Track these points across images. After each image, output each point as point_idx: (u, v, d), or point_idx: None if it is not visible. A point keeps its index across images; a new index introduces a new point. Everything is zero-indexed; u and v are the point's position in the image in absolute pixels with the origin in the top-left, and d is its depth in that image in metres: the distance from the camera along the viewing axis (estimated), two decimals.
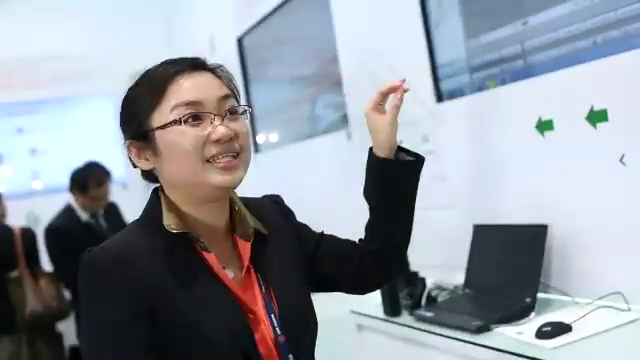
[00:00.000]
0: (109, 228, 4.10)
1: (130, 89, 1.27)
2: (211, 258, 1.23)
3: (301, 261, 1.42)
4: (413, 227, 1.54)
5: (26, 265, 3.96)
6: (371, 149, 1.48)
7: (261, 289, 1.29)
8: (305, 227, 1.52)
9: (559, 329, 1.81)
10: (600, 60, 1.97)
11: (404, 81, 1.51)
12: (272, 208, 1.45)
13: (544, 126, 2.17)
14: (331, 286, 1.52)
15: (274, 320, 1.26)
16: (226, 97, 1.24)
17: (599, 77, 1.97)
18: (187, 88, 1.20)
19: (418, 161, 1.50)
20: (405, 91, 1.49)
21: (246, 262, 1.28)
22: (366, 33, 3.07)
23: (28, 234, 4.08)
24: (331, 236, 1.54)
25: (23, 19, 5.65)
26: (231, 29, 4.71)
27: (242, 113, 1.28)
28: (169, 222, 1.22)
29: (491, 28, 2.39)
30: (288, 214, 1.49)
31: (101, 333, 1.15)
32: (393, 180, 1.46)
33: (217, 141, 1.19)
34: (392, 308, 2.37)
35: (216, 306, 1.20)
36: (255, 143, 4.68)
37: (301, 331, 1.30)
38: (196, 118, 1.20)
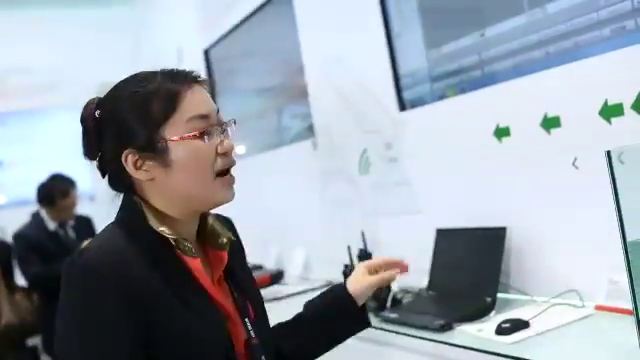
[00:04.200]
0: (77, 239, 4.11)
1: (121, 99, 1.24)
2: (196, 263, 1.23)
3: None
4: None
5: (2, 277, 3.95)
6: (341, 286, 1.59)
7: (233, 295, 1.32)
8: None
9: (517, 325, 1.90)
10: (552, 69, 2.07)
11: (407, 267, 1.71)
12: (229, 223, 1.50)
13: (501, 132, 2.27)
14: None
15: (248, 324, 1.30)
16: (218, 111, 1.28)
17: (552, 85, 2.08)
18: (197, 101, 1.22)
19: (366, 324, 1.62)
20: (402, 272, 1.68)
21: (221, 270, 1.32)
22: (331, 44, 3.15)
23: (3, 247, 4.08)
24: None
25: None
26: (198, 41, 4.77)
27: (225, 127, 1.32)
28: (158, 227, 1.21)
29: (450, 39, 2.49)
30: (236, 233, 1.52)
31: (86, 334, 1.13)
32: (344, 318, 1.56)
33: (225, 154, 1.24)
34: None
35: (200, 309, 1.21)
36: None
37: (268, 335, 1.38)
38: (208, 132, 1.22)
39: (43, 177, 4.26)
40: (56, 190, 4.10)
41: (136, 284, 1.15)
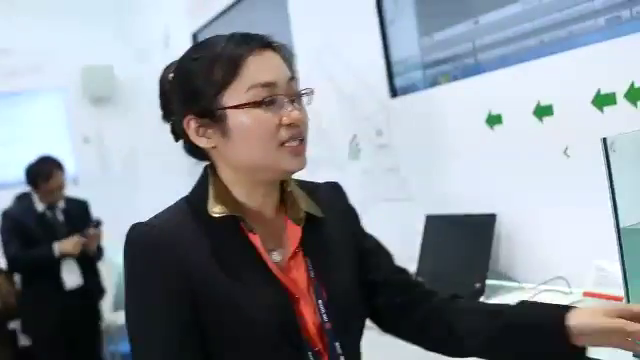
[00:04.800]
0: (67, 222, 4.08)
1: (188, 61, 1.21)
2: (255, 239, 1.19)
3: (355, 250, 1.34)
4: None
5: None
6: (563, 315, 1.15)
7: (309, 274, 1.23)
8: (364, 229, 1.42)
9: None
10: (546, 58, 2.09)
11: None
12: (331, 192, 1.39)
13: (493, 120, 2.29)
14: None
15: (321, 306, 1.21)
16: (292, 79, 1.20)
17: (545, 74, 2.10)
18: (263, 68, 1.15)
19: None
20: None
21: (294, 246, 1.24)
22: (322, 30, 3.15)
23: None
24: (384, 256, 1.41)
25: None
26: (186, 24, 4.73)
27: (302, 95, 1.22)
28: (213, 207, 1.19)
29: (444, 26, 2.50)
30: (348, 207, 1.41)
31: (142, 311, 1.15)
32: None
33: (290, 125, 1.15)
34: None
35: (258, 289, 1.17)
36: None
37: (350, 319, 1.25)
38: (272, 101, 1.15)
39: (25, 159, 4.21)
40: (39, 172, 4.05)
41: (193, 267, 1.14)
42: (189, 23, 4.69)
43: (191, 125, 1.18)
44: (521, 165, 2.20)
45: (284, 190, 1.27)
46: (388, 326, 1.37)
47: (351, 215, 1.40)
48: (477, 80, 2.35)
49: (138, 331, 1.15)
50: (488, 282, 2.21)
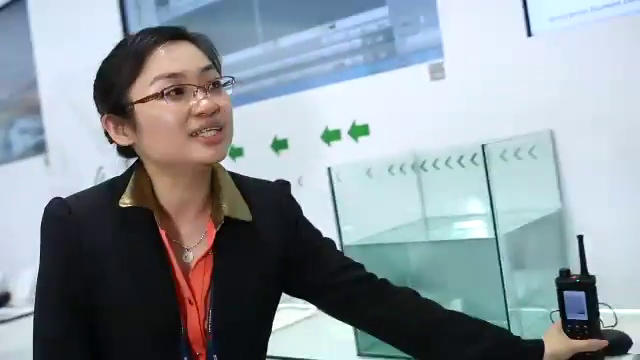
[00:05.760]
0: None
1: (105, 60, 1.17)
2: (164, 235, 1.16)
3: (280, 257, 1.29)
4: None
5: None
6: (541, 346, 1.28)
7: (212, 279, 1.19)
8: (307, 233, 1.35)
9: None
10: (282, 97, 2.35)
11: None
12: (274, 197, 1.32)
13: (236, 152, 2.48)
14: (316, 301, 1.37)
15: (210, 315, 1.18)
16: (208, 68, 1.15)
17: (281, 111, 2.34)
18: (168, 58, 1.12)
19: None
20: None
21: (207, 248, 1.19)
22: (67, 59, 3.13)
23: None
24: (331, 254, 1.36)
25: None
26: None
27: (225, 85, 1.18)
28: (125, 199, 1.16)
29: None
30: (289, 211, 1.33)
31: (41, 280, 1.17)
32: None
33: (200, 115, 1.10)
34: None
35: (150, 287, 1.15)
36: None
37: (235, 335, 1.21)
38: (178, 91, 1.11)
39: None
40: None
41: (94, 251, 1.14)
42: None
43: (109, 124, 1.16)
44: None
45: (214, 188, 1.23)
46: (345, 318, 1.35)
47: (291, 220, 1.32)
48: None
49: (38, 294, 1.17)
50: None
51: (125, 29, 2.83)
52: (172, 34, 1.14)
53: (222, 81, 1.17)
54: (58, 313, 1.15)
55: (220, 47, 2.36)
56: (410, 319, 1.29)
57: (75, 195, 1.19)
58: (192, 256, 1.20)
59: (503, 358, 1.26)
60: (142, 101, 1.11)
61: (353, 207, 1.85)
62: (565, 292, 1.33)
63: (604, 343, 1.31)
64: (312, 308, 2.22)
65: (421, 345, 1.29)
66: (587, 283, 1.32)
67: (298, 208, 1.35)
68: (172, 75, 1.11)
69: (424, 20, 2.02)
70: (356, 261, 1.36)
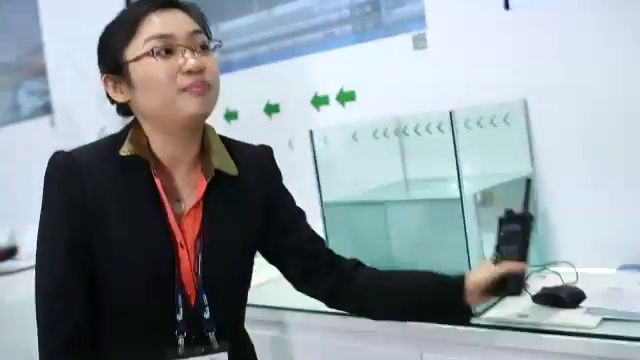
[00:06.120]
0: None
1: (106, 27, 1.29)
2: (158, 184, 1.27)
3: (263, 211, 1.40)
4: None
5: None
6: (462, 280, 1.37)
7: (202, 227, 1.30)
8: (283, 194, 1.47)
9: None
10: (274, 63, 2.47)
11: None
12: (258, 157, 1.43)
13: (231, 116, 2.59)
14: (277, 264, 1.48)
15: (200, 258, 1.28)
16: (196, 32, 1.25)
17: (274, 77, 2.46)
18: (159, 23, 1.23)
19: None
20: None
21: (197, 198, 1.30)
22: (74, 23, 3.22)
23: None
24: (300, 222, 1.48)
25: None
26: None
27: (213, 49, 1.28)
28: (125, 147, 1.26)
29: None
30: (271, 170, 1.45)
31: (43, 226, 1.25)
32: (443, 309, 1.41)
33: (188, 72, 1.20)
34: None
35: (147, 230, 1.25)
36: None
37: (221, 277, 1.31)
38: (168, 51, 1.22)
39: None
40: None
41: (95, 196, 1.23)
42: None
43: (108, 83, 1.27)
44: None
45: (204, 146, 1.34)
46: (301, 289, 1.46)
47: (272, 177, 1.44)
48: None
49: (38, 245, 1.25)
50: None
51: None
52: (164, 2, 1.25)
53: (210, 45, 1.27)
54: (59, 262, 1.23)
55: (217, 15, 2.49)
56: (353, 287, 1.42)
57: (77, 148, 1.29)
58: (183, 206, 1.30)
59: (429, 299, 1.39)
60: (135, 60, 1.22)
61: (339, 168, 1.97)
62: (503, 226, 1.40)
63: (521, 265, 1.36)
64: None
65: (364, 306, 1.44)
66: (523, 217, 1.39)
67: (279, 171, 1.46)
68: (162, 36, 1.21)
69: None
70: (319, 235, 1.49)
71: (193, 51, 1.22)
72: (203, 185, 1.30)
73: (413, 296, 1.40)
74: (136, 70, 1.23)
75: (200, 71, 1.21)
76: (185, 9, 1.28)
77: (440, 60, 2.05)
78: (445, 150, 1.65)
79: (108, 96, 1.30)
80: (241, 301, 1.40)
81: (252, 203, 1.38)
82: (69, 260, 1.23)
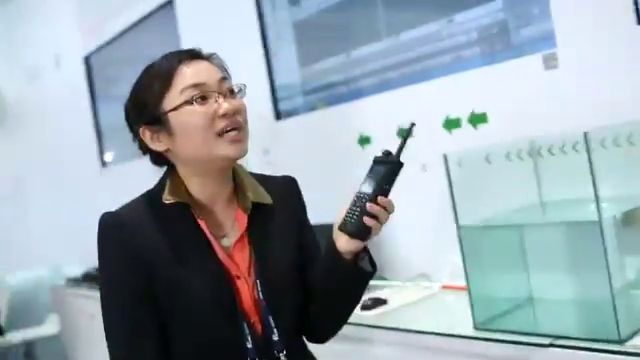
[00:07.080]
0: None
1: (136, 83, 1.39)
2: (203, 224, 1.36)
3: (298, 237, 1.47)
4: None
5: None
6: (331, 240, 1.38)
7: (251, 256, 1.39)
8: (309, 226, 1.54)
9: (377, 302, 2.28)
10: (405, 88, 2.49)
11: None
12: (285, 184, 1.53)
13: (364, 141, 2.66)
14: None
15: (258, 284, 1.36)
16: (224, 79, 1.36)
17: (405, 101, 2.49)
18: (191, 73, 1.33)
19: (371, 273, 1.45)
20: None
21: (241, 231, 1.39)
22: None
23: None
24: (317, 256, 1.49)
25: None
26: (78, 47, 4.89)
27: (239, 92, 1.38)
28: (167, 195, 1.36)
29: (321, 58, 2.85)
30: (300, 198, 1.54)
31: (105, 281, 1.36)
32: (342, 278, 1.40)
33: (224, 115, 1.31)
34: None
35: (202, 267, 1.34)
36: (102, 160, 4.90)
37: (283, 298, 1.39)
38: (203, 98, 1.32)
39: None
40: None
41: (148, 245, 1.33)
42: (81, 46, 4.83)
43: (146, 134, 1.36)
44: None
45: (237, 182, 1.43)
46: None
47: (300, 206, 1.53)
48: (349, 106, 2.73)
49: (103, 299, 1.36)
50: None
51: (262, 27, 3.08)
52: (191, 55, 1.37)
53: (236, 89, 1.38)
54: (126, 311, 1.33)
55: (347, 42, 2.55)
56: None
57: (119, 208, 1.40)
58: (229, 241, 1.40)
59: (327, 274, 1.37)
60: (174, 109, 1.32)
61: (473, 191, 1.99)
62: (374, 166, 1.37)
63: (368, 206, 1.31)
64: (434, 287, 2.40)
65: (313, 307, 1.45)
66: (390, 161, 1.35)
67: (301, 194, 1.54)
68: (197, 85, 1.32)
69: (537, 11, 2.10)
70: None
71: (224, 95, 1.34)
72: (244, 217, 1.40)
73: (321, 276, 1.40)
74: (176, 118, 1.32)
75: (234, 113, 1.32)
76: (209, 59, 1.39)
77: (572, 79, 2.01)
78: (581, 170, 1.63)
79: (141, 147, 1.41)
80: (300, 317, 1.46)
81: (290, 226, 1.47)
82: (137, 306, 1.33)
